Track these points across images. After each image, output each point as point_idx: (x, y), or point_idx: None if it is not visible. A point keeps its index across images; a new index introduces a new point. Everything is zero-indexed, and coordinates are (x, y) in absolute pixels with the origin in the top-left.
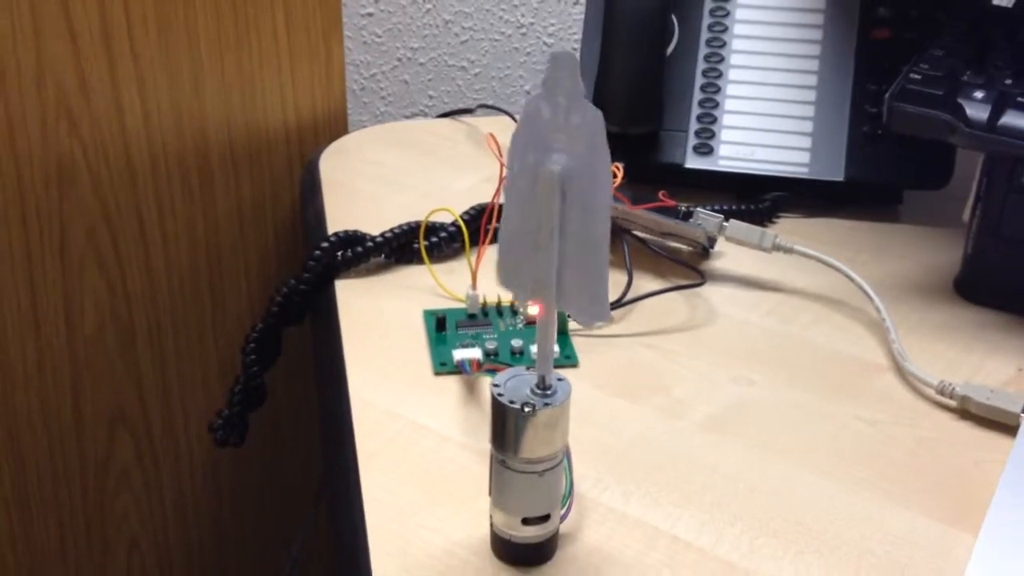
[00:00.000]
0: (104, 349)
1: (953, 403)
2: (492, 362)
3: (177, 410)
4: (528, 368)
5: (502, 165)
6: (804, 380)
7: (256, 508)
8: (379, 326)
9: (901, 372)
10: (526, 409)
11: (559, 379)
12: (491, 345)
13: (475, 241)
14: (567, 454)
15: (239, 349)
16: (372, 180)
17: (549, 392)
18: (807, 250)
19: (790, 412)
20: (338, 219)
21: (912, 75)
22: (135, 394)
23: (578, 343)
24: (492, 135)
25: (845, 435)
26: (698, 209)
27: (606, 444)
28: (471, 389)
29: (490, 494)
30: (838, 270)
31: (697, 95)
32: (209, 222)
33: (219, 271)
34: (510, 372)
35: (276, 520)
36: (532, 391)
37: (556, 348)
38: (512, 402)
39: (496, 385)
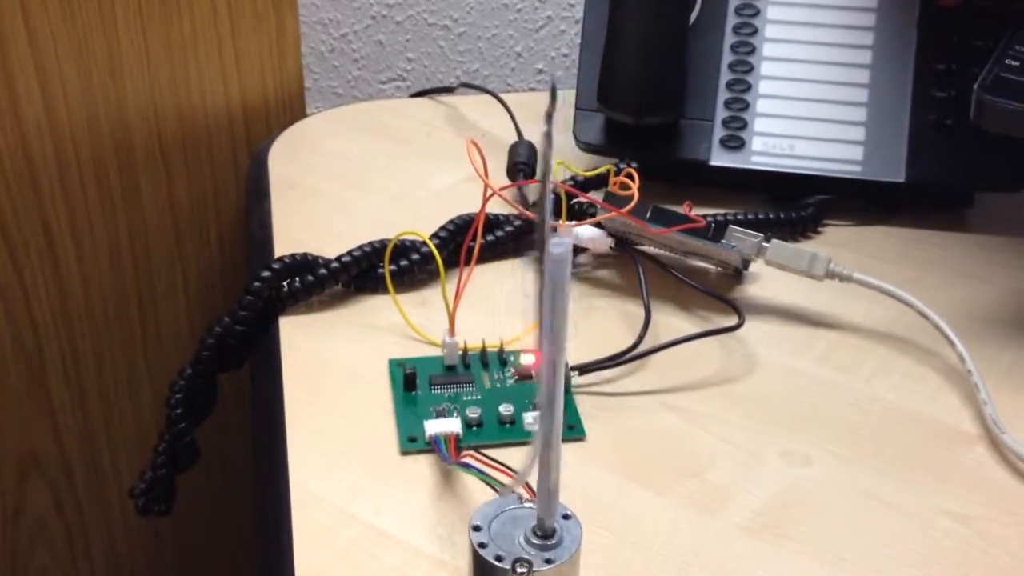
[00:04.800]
0: (7, 386)
1: None
2: (475, 439)
3: (103, 452)
4: (522, 499)
5: (486, 184)
6: (872, 456)
7: (206, 559)
8: (332, 379)
9: (996, 444)
10: (519, 569)
11: (565, 515)
12: (474, 412)
13: (455, 262)
14: None
15: (164, 401)
16: (332, 178)
17: (552, 541)
18: (869, 279)
19: (859, 505)
20: (288, 231)
21: (1007, 60)
22: (49, 436)
23: (584, 406)
24: (474, 143)
25: (932, 540)
26: (731, 225)
27: (624, 559)
28: (448, 476)
29: None
30: (910, 306)
31: (725, 76)
32: (136, 231)
33: (150, 289)
34: (495, 505)
35: (231, 568)
36: (527, 539)
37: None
38: (499, 558)
39: (477, 528)
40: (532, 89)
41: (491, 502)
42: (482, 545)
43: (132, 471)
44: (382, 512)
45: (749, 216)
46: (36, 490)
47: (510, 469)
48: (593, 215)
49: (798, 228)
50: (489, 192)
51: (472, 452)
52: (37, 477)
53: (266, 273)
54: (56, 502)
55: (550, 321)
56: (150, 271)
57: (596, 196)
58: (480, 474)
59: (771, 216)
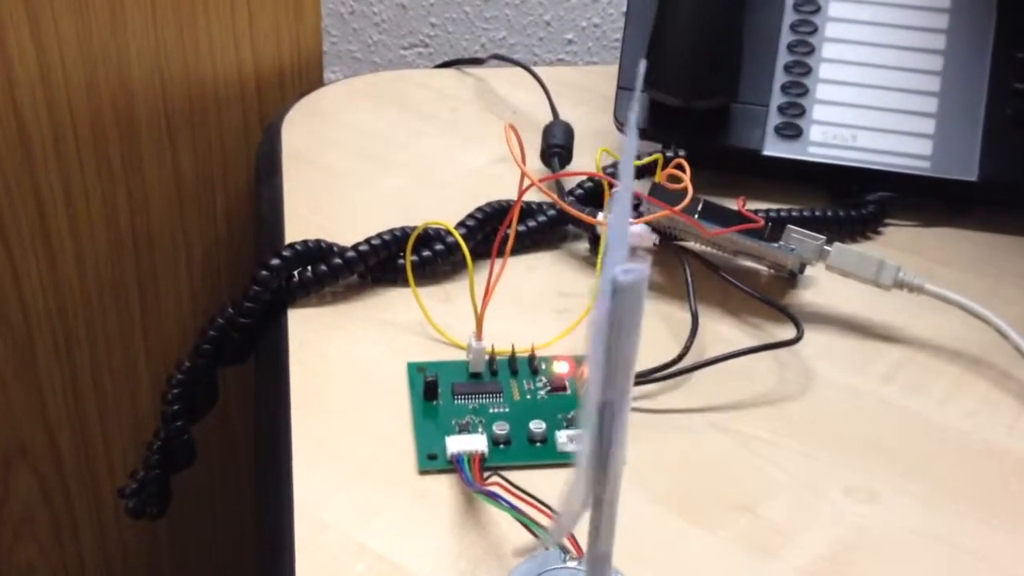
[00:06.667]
0: None
1: None
2: (502, 459)
3: (96, 441)
4: (566, 552)
5: (524, 172)
6: (947, 494)
7: (204, 555)
8: (343, 382)
9: None
10: None
11: None
12: (501, 428)
13: (481, 253)
14: None
15: (160, 395)
16: (350, 155)
17: None
18: (943, 291)
19: (932, 551)
20: (300, 211)
21: None
22: (38, 423)
23: None
24: (512, 128)
25: None
26: (789, 226)
27: None
28: (472, 499)
29: None
30: (987, 322)
31: (782, 57)
32: (136, 205)
33: (151, 269)
34: (535, 564)
35: (230, 566)
36: None
37: None
38: None
39: None
40: (561, 60)
41: (530, 560)
42: None
43: (127, 462)
44: (397, 542)
45: (804, 213)
46: (22, 479)
47: (544, 505)
48: (636, 208)
49: (857, 227)
50: (527, 183)
51: (500, 480)
52: (23, 466)
53: (275, 261)
54: (44, 492)
55: (606, 359)
56: (150, 248)
57: (641, 188)
58: (509, 508)
59: (828, 214)
